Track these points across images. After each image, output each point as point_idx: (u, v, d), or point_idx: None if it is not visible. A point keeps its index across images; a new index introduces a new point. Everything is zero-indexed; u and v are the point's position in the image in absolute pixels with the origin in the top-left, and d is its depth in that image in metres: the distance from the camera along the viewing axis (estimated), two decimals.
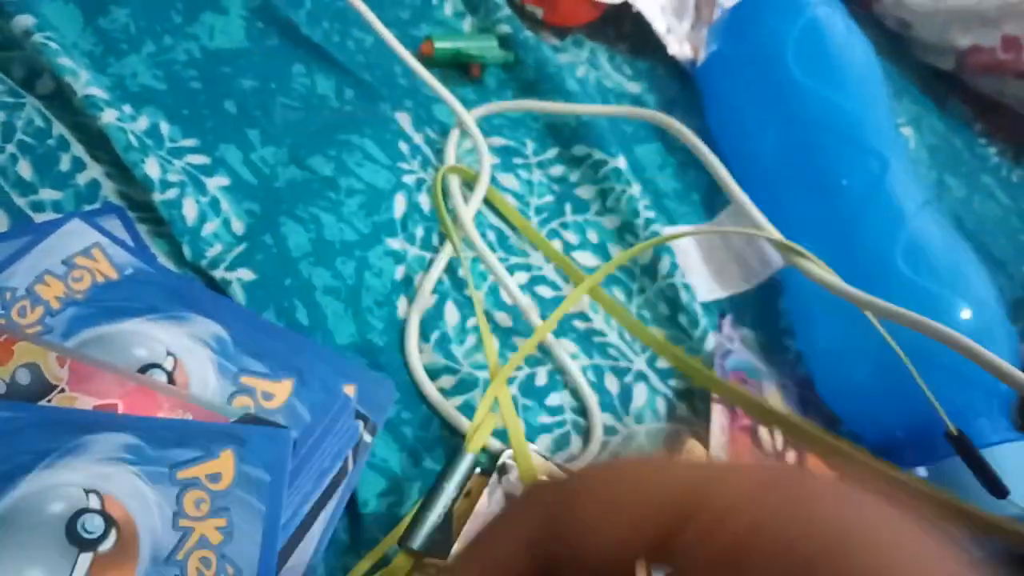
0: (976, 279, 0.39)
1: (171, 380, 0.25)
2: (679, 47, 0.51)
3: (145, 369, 0.25)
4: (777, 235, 0.38)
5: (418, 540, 0.27)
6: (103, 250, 0.28)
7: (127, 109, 0.33)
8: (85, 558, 0.21)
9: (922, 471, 0.37)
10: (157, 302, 0.27)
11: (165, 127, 0.34)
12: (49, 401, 0.24)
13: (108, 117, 0.31)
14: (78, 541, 0.21)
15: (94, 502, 0.22)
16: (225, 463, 0.24)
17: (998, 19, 0.60)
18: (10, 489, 0.21)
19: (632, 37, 0.52)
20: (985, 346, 0.36)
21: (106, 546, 0.22)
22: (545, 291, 0.38)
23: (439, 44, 0.42)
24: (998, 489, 0.32)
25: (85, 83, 0.32)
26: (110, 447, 0.23)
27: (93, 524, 0.22)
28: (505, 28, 0.45)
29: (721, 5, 0.54)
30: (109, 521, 0.22)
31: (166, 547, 0.22)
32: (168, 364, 0.26)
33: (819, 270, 0.36)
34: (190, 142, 0.34)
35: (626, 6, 0.49)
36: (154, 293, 0.27)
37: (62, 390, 0.25)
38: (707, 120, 0.49)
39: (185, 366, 0.26)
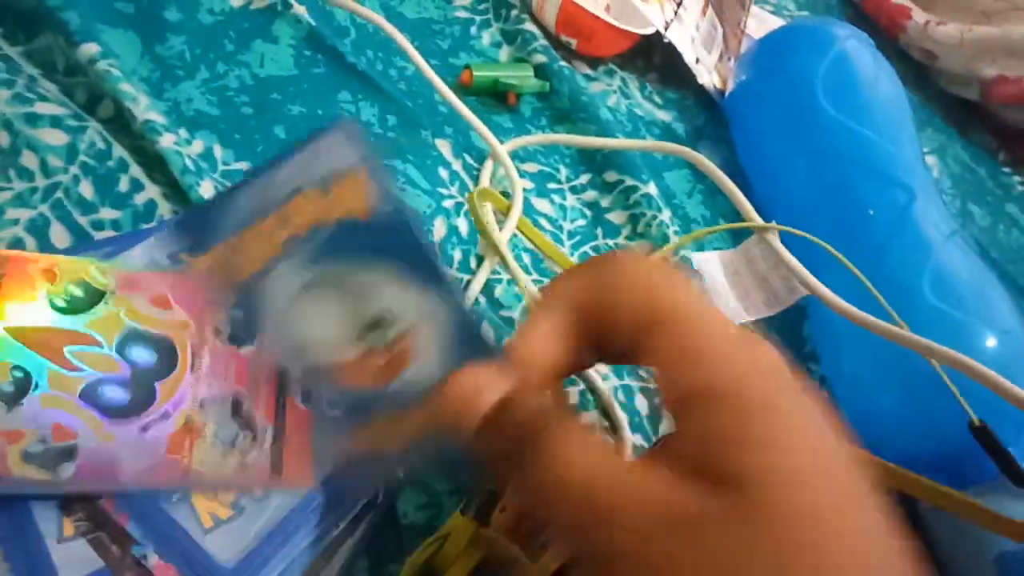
0: (1003, 308, 0.40)
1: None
2: (708, 77, 0.53)
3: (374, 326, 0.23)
4: (801, 269, 0.39)
5: (473, 510, 0.28)
6: (365, 177, 0.24)
7: (183, 133, 0.35)
8: None
9: None
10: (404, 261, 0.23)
11: (219, 151, 0.35)
12: (107, 304, 0.28)
13: (166, 142, 0.33)
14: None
15: None
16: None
17: None
18: None
19: (662, 67, 0.54)
20: (1012, 374, 0.37)
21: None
22: None
23: (478, 73, 0.44)
24: (1021, 479, 0.33)
25: (145, 108, 0.33)
26: None
27: None
28: (540, 58, 0.46)
29: (750, 36, 0.55)
30: None
31: None
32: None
33: (842, 302, 0.37)
34: (242, 165, 0.35)
35: (657, 36, 0.50)
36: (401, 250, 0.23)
37: (114, 293, 0.28)
38: (735, 149, 0.50)
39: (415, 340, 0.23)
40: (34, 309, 0.27)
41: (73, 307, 0.28)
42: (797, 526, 0.16)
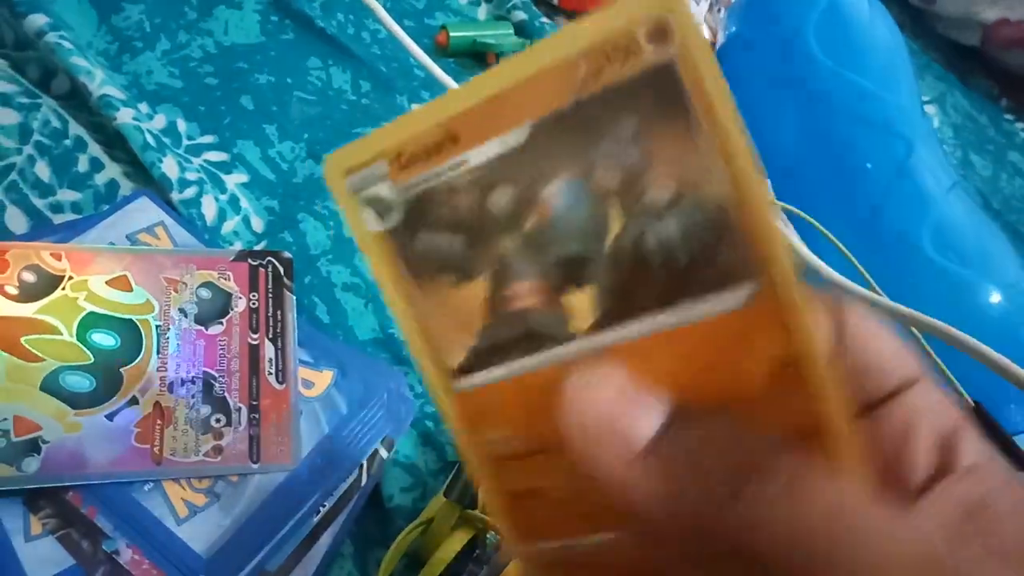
0: (1007, 261, 0.38)
1: None
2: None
3: None
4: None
5: (456, 492, 0.27)
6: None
7: (143, 108, 0.33)
8: None
9: None
10: None
11: (182, 125, 0.34)
12: (63, 290, 0.27)
13: (124, 116, 0.31)
14: None
15: None
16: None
17: None
18: None
19: None
20: (1017, 328, 0.36)
21: None
22: None
23: (454, 33, 0.42)
24: (1021, 462, 0.32)
25: (100, 83, 0.32)
26: None
27: None
28: (520, 15, 0.45)
29: None
30: None
31: None
32: None
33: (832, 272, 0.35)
34: (208, 139, 0.34)
35: None
36: None
37: (71, 278, 0.27)
38: None
39: None
40: None
41: (26, 294, 0.26)
42: None
